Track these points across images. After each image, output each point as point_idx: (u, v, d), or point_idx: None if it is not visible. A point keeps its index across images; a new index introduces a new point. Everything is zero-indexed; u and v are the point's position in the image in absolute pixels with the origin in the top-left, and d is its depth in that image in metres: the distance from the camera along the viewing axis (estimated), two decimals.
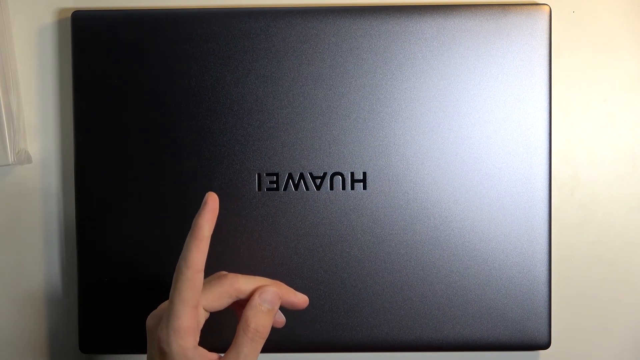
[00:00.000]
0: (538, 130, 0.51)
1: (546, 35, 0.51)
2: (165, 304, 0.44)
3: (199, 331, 0.42)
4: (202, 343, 0.43)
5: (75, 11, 0.52)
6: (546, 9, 0.51)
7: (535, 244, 0.50)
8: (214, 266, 0.51)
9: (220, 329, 0.48)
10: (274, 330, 0.45)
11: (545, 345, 0.51)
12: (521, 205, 0.51)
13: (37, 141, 0.55)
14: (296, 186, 0.51)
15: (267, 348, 0.44)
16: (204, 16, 0.51)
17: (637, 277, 0.55)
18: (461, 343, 0.51)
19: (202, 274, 0.42)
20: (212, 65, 0.51)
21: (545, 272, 0.51)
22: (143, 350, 0.52)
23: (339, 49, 0.51)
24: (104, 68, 0.51)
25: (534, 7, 0.51)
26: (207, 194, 0.43)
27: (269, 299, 0.44)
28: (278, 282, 0.45)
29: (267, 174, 0.51)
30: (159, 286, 0.51)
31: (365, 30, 0.51)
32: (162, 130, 0.51)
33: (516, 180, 0.51)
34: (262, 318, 0.43)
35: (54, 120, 0.55)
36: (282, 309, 0.46)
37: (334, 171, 0.51)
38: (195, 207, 0.50)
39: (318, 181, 0.51)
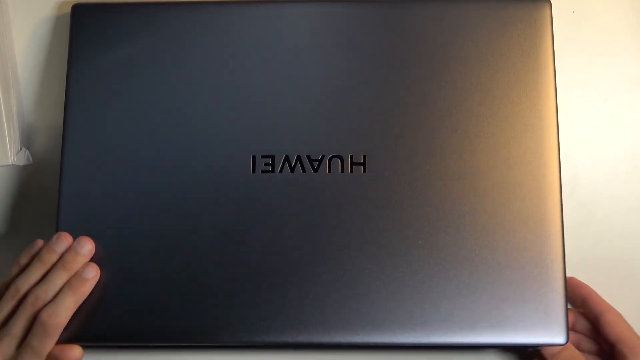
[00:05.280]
0: (545, 113, 0.50)
1: (549, 23, 0.51)
2: None
3: None
4: None
5: (75, 4, 0.52)
6: (546, 2, 0.52)
7: (547, 230, 0.49)
8: (214, 253, 0.50)
9: None
10: (273, 320, 0.46)
11: (564, 341, 0.49)
12: (528, 185, 0.50)
13: (37, 141, 0.55)
14: (292, 169, 0.50)
15: (270, 343, 0.44)
16: (201, 6, 0.52)
17: (637, 277, 0.55)
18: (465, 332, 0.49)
19: None
20: (210, 52, 0.51)
21: (560, 264, 0.49)
22: (141, 349, 0.52)
23: (341, 34, 0.51)
24: (100, 57, 0.52)
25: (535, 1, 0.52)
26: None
27: None
28: None
29: (263, 157, 0.51)
30: (157, 282, 0.50)
31: (367, 20, 0.51)
32: (157, 115, 0.51)
33: (523, 160, 0.50)
34: None
35: (54, 120, 0.55)
36: (283, 300, 0.46)
37: (332, 154, 0.50)
38: (191, 193, 0.50)
39: (316, 164, 0.50)
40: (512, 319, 0.48)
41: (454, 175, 0.50)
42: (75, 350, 0.48)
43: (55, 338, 0.46)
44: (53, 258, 0.48)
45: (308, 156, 0.50)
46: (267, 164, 0.50)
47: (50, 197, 0.55)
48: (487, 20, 0.51)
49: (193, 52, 0.52)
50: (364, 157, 0.50)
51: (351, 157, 0.50)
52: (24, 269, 0.48)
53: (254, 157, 0.50)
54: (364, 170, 0.50)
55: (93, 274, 0.48)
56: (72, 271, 0.48)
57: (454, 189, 0.50)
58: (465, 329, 0.48)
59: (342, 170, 0.50)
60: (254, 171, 0.50)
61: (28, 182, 0.55)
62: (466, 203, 0.50)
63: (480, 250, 0.49)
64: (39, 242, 0.49)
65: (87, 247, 0.49)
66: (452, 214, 0.50)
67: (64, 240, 0.49)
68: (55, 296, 0.47)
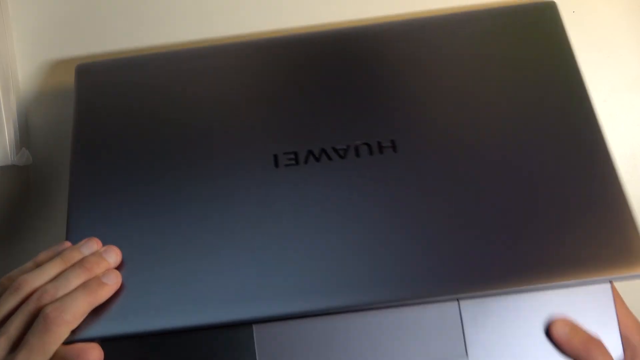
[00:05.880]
0: (574, 84, 0.50)
1: (560, 20, 0.52)
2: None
3: None
4: None
5: (79, 64, 0.53)
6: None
7: (600, 172, 0.48)
8: (243, 252, 0.49)
9: None
10: (313, 294, 0.45)
11: None
12: (571, 157, 0.48)
13: (37, 141, 0.55)
14: (318, 159, 0.50)
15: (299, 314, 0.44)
16: (202, 49, 0.54)
17: None
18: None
19: None
20: (217, 73, 0.53)
21: (624, 196, 0.47)
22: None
23: (364, 47, 0.53)
24: (106, 103, 0.52)
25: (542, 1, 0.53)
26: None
27: None
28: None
29: (285, 153, 0.51)
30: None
31: (387, 37, 0.54)
32: (173, 122, 0.52)
33: (555, 125, 0.49)
34: None
35: (54, 120, 0.55)
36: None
37: (360, 142, 0.51)
38: (211, 196, 0.50)
39: (342, 152, 0.50)
40: (589, 258, 0.46)
41: (489, 137, 0.49)
42: (95, 351, 0.41)
43: (58, 338, 0.40)
44: (76, 258, 0.44)
45: (333, 147, 0.50)
46: (290, 159, 0.50)
47: (49, 197, 0.55)
48: (502, 24, 0.53)
49: (203, 76, 0.53)
50: (392, 141, 0.50)
51: (378, 142, 0.50)
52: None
53: (275, 155, 0.51)
54: (395, 151, 0.50)
55: (114, 280, 0.44)
56: (91, 273, 0.43)
57: (494, 151, 0.49)
58: (545, 271, 0.46)
59: (372, 153, 0.50)
60: (277, 165, 0.50)
61: (28, 182, 0.55)
62: (511, 163, 0.48)
63: (538, 201, 0.47)
64: (66, 244, 0.45)
65: (114, 256, 0.45)
66: (495, 178, 0.48)
67: (94, 244, 0.45)
68: (67, 294, 0.42)
